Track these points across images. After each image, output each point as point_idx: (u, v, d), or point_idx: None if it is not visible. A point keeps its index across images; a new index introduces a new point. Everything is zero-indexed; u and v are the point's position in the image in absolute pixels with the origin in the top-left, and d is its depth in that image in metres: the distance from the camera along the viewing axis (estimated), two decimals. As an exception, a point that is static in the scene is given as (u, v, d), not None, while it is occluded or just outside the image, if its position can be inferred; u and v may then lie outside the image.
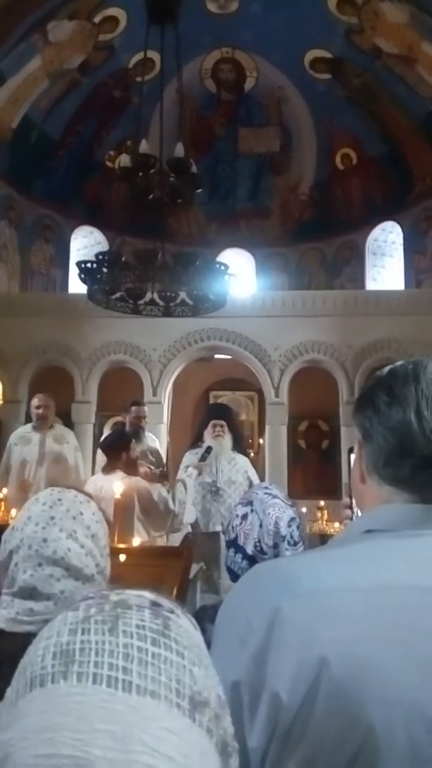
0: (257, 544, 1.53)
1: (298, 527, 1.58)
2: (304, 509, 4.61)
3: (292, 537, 1.54)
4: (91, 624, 0.44)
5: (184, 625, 0.47)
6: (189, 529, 4.32)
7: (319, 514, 4.83)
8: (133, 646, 0.43)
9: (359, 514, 0.83)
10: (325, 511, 4.86)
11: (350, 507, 1.00)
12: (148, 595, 0.48)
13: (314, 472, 7.02)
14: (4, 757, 0.40)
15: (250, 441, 8.52)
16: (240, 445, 4.81)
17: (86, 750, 0.37)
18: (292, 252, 9.23)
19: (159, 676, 0.42)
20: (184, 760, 0.39)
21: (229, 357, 7.48)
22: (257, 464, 6.02)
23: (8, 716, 0.43)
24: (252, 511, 1.58)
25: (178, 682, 0.42)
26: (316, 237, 8.95)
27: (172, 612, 0.47)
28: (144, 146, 4.48)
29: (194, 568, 4.01)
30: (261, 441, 8.19)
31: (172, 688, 0.42)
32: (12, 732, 0.40)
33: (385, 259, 8.62)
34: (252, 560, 1.51)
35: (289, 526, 1.55)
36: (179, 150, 4.38)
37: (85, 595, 0.48)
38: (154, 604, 0.47)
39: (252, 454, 6.50)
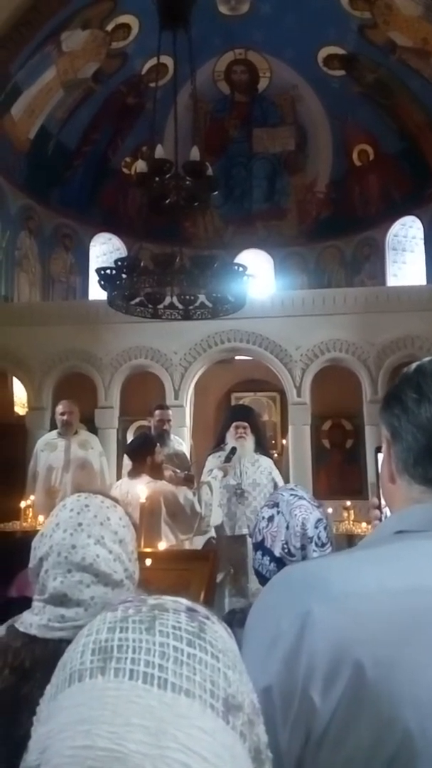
0: (284, 546, 1.52)
1: (325, 528, 1.55)
2: (330, 510, 4.56)
3: (319, 538, 1.52)
4: (129, 623, 0.45)
5: (219, 630, 0.48)
6: (213, 533, 4.30)
7: (345, 514, 4.79)
8: (169, 645, 0.44)
9: (388, 514, 0.82)
10: (352, 511, 4.81)
11: (379, 507, 0.99)
12: (184, 601, 0.49)
13: (339, 472, 6.97)
14: (43, 748, 0.41)
15: (273, 442, 8.48)
16: (263, 447, 4.79)
17: (121, 743, 0.38)
18: (310, 251, 9.19)
19: (194, 675, 0.43)
20: (216, 760, 0.40)
21: (250, 358, 7.46)
22: (281, 465, 5.99)
23: (47, 710, 0.44)
24: (278, 512, 1.57)
25: (212, 684, 0.43)
26: (334, 235, 8.90)
27: (207, 618, 0.48)
28: (159, 151, 4.50)
29: (221, 573, 4.00)
30: (284, 442, 8.16)
31: (207, 688, 0.43)
32: (51, 725, 0.42)
33: (406, 255, 8.54)
34: (280, 562, 1.50)
35: (316, 527, 1.53)
36: (195, 153, 4.39)
37: (123, 599, 0.50)
38: (190, 610, 0.48)
39: (275, 455, 6.47)
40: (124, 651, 0.43)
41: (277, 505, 1.59)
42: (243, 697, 0.45)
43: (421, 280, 8.12)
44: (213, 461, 4.53)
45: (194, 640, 0.45)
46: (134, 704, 0.40)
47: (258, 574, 1.59)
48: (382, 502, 0.89)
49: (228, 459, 4.29)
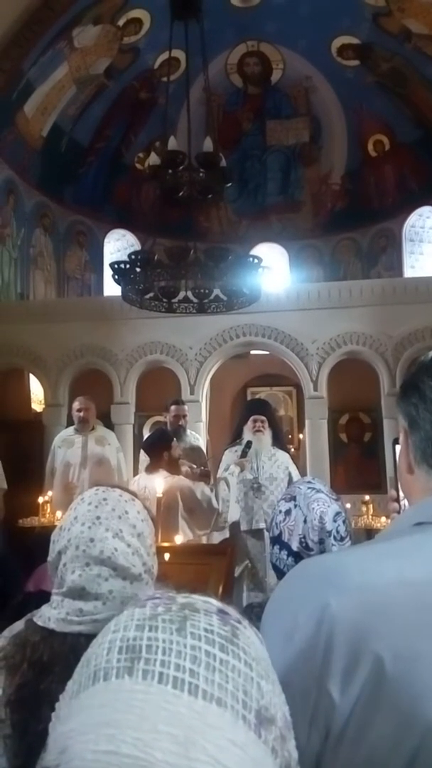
0: (302, 540, 1.50)
1: (344, 522, 1.53)
2: (348, 504, 4.53)
3: (338, 532, 1.50)
4: (159, 622, 0.43)
5: (251, 636, 0.46)
6: (226, 534, 4.30)
7: (364, 509, 4.76)
8: (201, 649, 0.42)
9: (407, 506, 0.81)
10: (370, 506, 4.78)
11: (397, 500, 0.98)
12: (215, 602, 0.47)
13: (357, 466, 6.92)
14: (63, 748, 0.39)
15: (290, 437, 8.45)
16: (280, 441, 4.77)
17: (147, 751, 0.37)
18: (326, 243, 9.12)
19: (226, 684, 0.41)
20: None
21: (266, 352, 7.43)
22: (298, 460, 5.97)
23: (68, 708, 0.42)
24: (295, 506, 1.55)
25: (245, 694, 0.41)
26: (349, 227, 8.82)
27: (239, 622, 0.46)
28: (172, 143, 4.48)
29: (239, 567, 4.00)
30: (301, 436, 8.13)
31: (239, 698, 0.41)
32: (72, 724, 0.40)
33: (423, 246, 8.44)
34: (297, 557, 1.48)
35: (335, 520, 1.50)
36: (208, 144, 4.37)
37: (150, 594, 0.48)
38: (222, 612, 0.46)
39: (292, 450, 6.44)
40: (154, 652, 0.41)
41: (294, 498, 1.57)
42: (276, 709, 0.43)
43: (439, 271, 8.02)
44: (229, 456, 4.53)
45: (227, 645, 0.43)
46: (163, 710, 0.38)
47: (275, 568, 1.57)
48: (401, 494, 0.87)
49: (244, 453, 4.28)
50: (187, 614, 0.44)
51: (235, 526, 4.35)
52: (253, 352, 7.77)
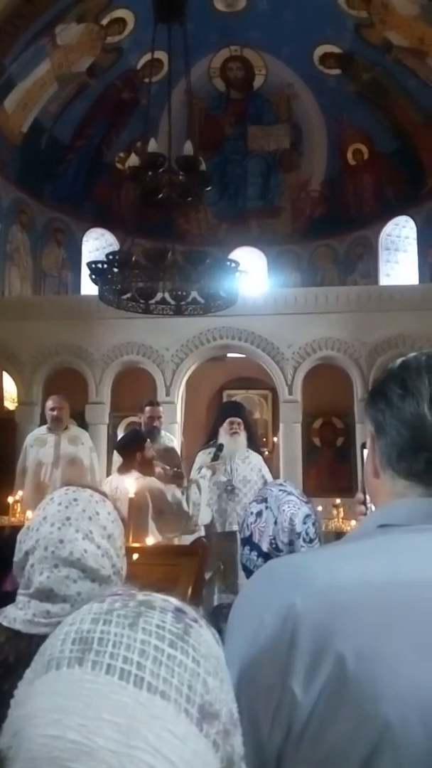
0: (272, 541, 1.52)
1: (314, 524, 1.55)
2: (319, 507, 4.57)
3: (307, 534, 1.52)
4: (114, 616, 0.45)
5: (205, 635, 0.47)
6: (202, 532, 4.30)
7: (335, 512, 4.81)
8: (150, 644, 0.43)
9: (373, 509, 0.82)
10: (341, 509, 4.83)
11: (364, 502, 0.99)
12: (174, 600, 0.48)
13: (329, 470, 6.98)
14: (15, 731, 0.41)
15: (264, 440, 8.49)
16: (254, 444, 4.80)
17: (90, 737, 0.38)
18: (304, 249, 9.20)
19: (171, 678, 0.42)
20: (185, 766, 0.40)
21: (242, 356, 7.46)
22: (271, 463, 6.00)
23: (24, 694, 0.44)
24: (266, 508, 1.56)
25: (189, 689, 0.43)
26: (327, 234, 8.91)
27: (195, 621, 0.48)
28: (153, 145, 4.48)
29: (211, 569, 4.00)
30: (275, 439, 8.17)
31: (183, 692, 0.42)
32: (26, 709, 0.42)
33: (399, 254, 8.57)
34: (267, 558, 1.50)
35: (305, 522, 1.52)
36: (188, 148, 4.37)
37: (114, 591, 0.49)
38: (178, 610, 0.47)
39: (266, 453, 6.47)
40: (104, 644, 0.43)
41: (265, 500, 1.59)
42: (221, 705, 0.44)
43: (413, 279, 8.15)
44: (203, 457, 4.54)
45: (177, 641, 0.44)
46: (108, 700, 0.40)
47: (245, 568, 1.59)
48: (367, 497, 0.89)
49: (216, 456, 4.29)
50: (143, 611, 0.46)
51: (208, 528, 4.35)
52: (229, 354, 7.79)
